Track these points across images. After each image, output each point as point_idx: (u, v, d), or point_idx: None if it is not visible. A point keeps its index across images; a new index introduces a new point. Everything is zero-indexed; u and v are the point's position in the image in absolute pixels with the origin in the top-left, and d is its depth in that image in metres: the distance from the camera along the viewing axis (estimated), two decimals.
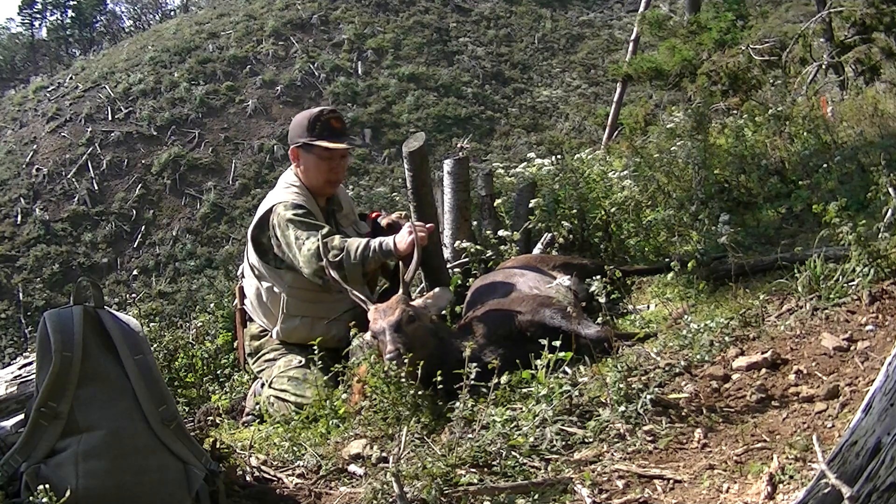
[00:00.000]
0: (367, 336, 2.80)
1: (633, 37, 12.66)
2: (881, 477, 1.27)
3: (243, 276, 3.63)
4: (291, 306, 3.36)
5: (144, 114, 27.84)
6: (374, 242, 3.08)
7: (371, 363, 2.67)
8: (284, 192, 3.38)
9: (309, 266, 3.12)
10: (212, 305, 4.74)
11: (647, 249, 4.04)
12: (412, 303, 2.83)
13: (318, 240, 3.08)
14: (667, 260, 3.45)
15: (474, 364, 2.35)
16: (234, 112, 28.52)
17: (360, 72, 30.41)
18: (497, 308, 3.02)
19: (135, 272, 23.34)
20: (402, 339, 2.61)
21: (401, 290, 2.82)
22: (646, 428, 2.16)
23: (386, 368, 2.55)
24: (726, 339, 2.57)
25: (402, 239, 3.03)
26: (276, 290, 3.38)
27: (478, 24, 33.87)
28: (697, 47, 9.21)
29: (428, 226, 3.12)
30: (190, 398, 3.74)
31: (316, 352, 2.88)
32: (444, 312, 3.20)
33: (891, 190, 3.06)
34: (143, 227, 24.70)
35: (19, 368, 2.21)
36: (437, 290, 2.99)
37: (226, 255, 22.60)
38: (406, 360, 2.49)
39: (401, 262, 3.02)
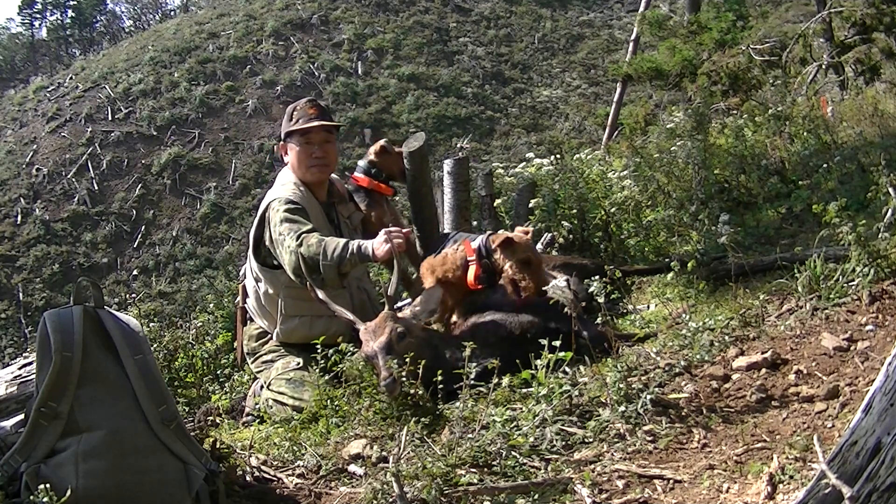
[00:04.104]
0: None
1: (633, 37, 12.69)
2: (881, 477, 1.27)
3: (245, 277, 3.63)
4: (289, 307, 3.35)
5: (144, 114, 27.85)
6: (353, 245, 3.00)
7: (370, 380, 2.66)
8: (281, 189, 3.37)
9: (290, 265, 3.09)
10: (212, 305, 4.74)
11: (647, 249, 4.05)
12: (400, 315, 2.78)
13: (295, 238, 3.05)
14: (667, 260, 3.45)
15: (473, 364, 2.35)
16: (234, 112, 28.53)
17: (360, 72, 30.41)
18: (495, 311, 3.00)
19: (135, 272, 23.34)
20: (394, 360, 2.57)
21: (386, 307, 2.78)
22: (646, 428, 2.16)
23: (382, 394, 2.55)
24: (726, 339, 2.57)
25: (379, 247, 2.96)
26: (272, 292, 3.36)
27: (478, 24, 33.89)
28: (697, 47, 9.22)
29: (405, 231, 3.05)
30: (190, 398, 3.74)
31: (318, 351, 2.86)
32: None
33: (891, 190, 3.06)
34: (143, 227, 24.70)
35: (19, 368, 2.21)
36: (423, 293, 2.94)
37: (226, 255, 22.62)
38: (403, 381, 2.48)
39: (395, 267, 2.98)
